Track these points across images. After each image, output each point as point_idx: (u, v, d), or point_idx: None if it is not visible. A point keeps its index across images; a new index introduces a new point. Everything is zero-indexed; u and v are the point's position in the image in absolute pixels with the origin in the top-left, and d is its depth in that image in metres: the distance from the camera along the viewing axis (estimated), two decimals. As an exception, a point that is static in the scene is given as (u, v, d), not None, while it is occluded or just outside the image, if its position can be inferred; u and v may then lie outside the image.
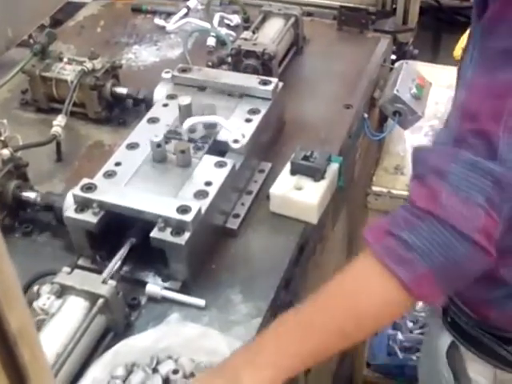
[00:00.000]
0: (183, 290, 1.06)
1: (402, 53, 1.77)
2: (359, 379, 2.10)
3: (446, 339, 1.16)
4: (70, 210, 1.08)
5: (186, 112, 1.22)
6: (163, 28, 1.76)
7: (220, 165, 1.15)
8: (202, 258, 1.10)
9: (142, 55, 1.67)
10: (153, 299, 1.06)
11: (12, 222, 1.19)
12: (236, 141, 1.18)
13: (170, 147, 1.17)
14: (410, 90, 1.53)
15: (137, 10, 1.85)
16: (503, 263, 0.95)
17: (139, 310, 1.05)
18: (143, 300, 1.06)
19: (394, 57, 1.74)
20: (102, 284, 0.96)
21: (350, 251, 1.80)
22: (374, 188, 1.58)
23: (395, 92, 1.50)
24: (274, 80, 1.31)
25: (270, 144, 1.33)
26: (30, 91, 1.47)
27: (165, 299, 1.06)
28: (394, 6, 1.71)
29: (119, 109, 1.45)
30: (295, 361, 0.87)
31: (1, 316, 0.35)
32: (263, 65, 1.45)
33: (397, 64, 1.64)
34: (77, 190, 1.08)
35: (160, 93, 1.34)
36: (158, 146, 1.14)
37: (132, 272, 1.08)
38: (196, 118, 1.21)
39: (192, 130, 1.21)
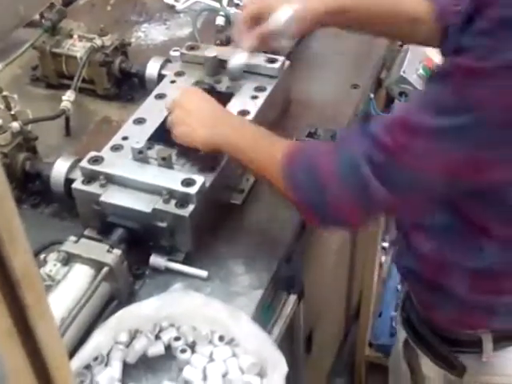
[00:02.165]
0: (186, 261, 1.09)
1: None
2: (361, 358, 2.13)
3: (402, 334, 1.19)
4: (77, 182, 1.10)
5: (212, 64, 1.28)
6: (173, 7, 1.77)
7: (225, 140, 1.16)
8: (206, 230, 1.12)
9: (151, 34, 1.68)
10: (156, 270, 1.08)
11: (20, 194, 1.21)
12: (243, 112, 1.20)
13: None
14: (416, 71, 1.54)
15: (147, -11, 1.86)
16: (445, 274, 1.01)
17: (143, 280, 1.07)
18: (147, 271, 1.09)
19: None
20: (107, 253, 0.98)
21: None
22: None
23: (401, 73, 1.51)
24: (281, 58, 1.32)
25: (275, 121, 1.34)
26: (41, 67, 1.49)
27: (168, 270, 1.08)
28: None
29: (127, 85, 1.47)
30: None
31: (5, 259, 0.37)
32: (271, 44, 1.45)
33: (405, 45, 1.65)
34: (84, 163, 1.11)
35: (153, 68, 1.37)
36: (140, 152, 1.11)
37: (137, 243, 1.11)
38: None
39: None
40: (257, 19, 1.15)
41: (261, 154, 1.02)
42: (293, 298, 1.20)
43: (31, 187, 1.23)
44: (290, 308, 1.19)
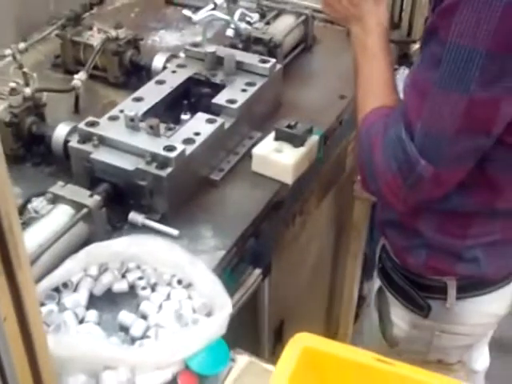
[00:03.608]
0: (161, 221, 1.20)
1: (409, 63, 1.91)
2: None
3: (377, 284, 1.29)
4: (73, 141, 1.24)
5: (211, 59, 1.42)
6: (190, 18, 1.94)
7: (210, 121, 1.29)
8: (183, 197, 1.24)
9: (165, 38, 1.84)
10: (134, 226, 1.20)
11: (25, 153, 1.35)
12: (231, 101, 1.34)
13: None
14: (401, 92, 1.67)
15: (170, 2, 2.04)
16: (417, 216, 1.11)
17: (120, 233, 1.19)
18: (126, 226, 1.20)
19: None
20: (89, 197, 1.11)
21: (337, 240, 1.92)
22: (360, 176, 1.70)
23: (387, 90, 1.63)
24: (273, 60, 1.46)
25: (263, 118, 1.47)
26: (61, 54, 1.65)
27: (144, 227, 1.20)
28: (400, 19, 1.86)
29: (136, 77, 1.61)
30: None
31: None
32: (269, 52, 1.59)
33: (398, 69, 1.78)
34: (81, 125, 1.24)
35: (159, 61, 1.52)
36: (132, 120, 1.24)
37: (119, 200, 1.22)
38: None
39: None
40: None
41: (361, 85, 1.18)
42: (257, 272, 1.30)
43: (36, 149, 1.37)
44: (253, 281, 1.29)
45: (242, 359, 1.06)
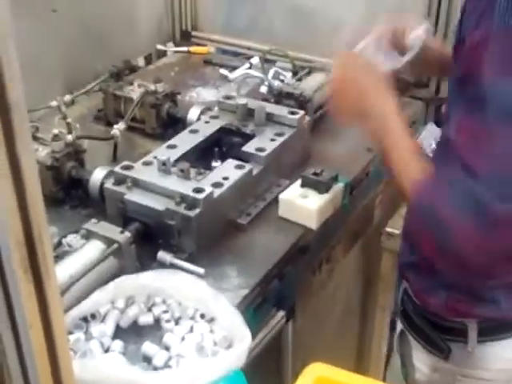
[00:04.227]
0: (188, 260, 1.25)
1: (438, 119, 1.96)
2: None
3: (399, 327, 1.29)
4: (108, 183, 1.32)
5: (242, 110, 1.49)
6: (226, 77, 2.04)
7: (239, 167, 1.36)
8: (210, 238, 1.29)
9: (202, 94, 1.94)
10: (162, 264, 1.25)
11: (63, 196, 1.43)
12: (260, 149, 1.40)
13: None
14: (430, 146, 1.71)
15: (208, 62, 2.15)
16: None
17: (149, 270, 1.24)
18: (154, 264, 1.26)
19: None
20: (119, 233, 1.17)
21: (365, 291, 1.93)
22: (387, 229, 1.73)
23: (414, 143, 1.68)
24: (301, 112, 1.53)
25: (292, 167, 1.52)
26: (103, 106, 1.75)
27: (172, 265, 1.25)
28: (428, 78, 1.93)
29: (173, 128, 1.70)
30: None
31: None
32: (300, 107, 1.67)
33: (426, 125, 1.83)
34: (117, 168, 1.32)
35: (194, 113, 1.61)
36: (164, 164, 1.31)
37: (149, 239, 1.28)
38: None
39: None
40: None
41: (397, 164, 1.10)
42: (281, 314, 1.33)
43: (74, 193, 1.44)
44: (276, 322, 1.32)
45: (263, 397, 1.08)
